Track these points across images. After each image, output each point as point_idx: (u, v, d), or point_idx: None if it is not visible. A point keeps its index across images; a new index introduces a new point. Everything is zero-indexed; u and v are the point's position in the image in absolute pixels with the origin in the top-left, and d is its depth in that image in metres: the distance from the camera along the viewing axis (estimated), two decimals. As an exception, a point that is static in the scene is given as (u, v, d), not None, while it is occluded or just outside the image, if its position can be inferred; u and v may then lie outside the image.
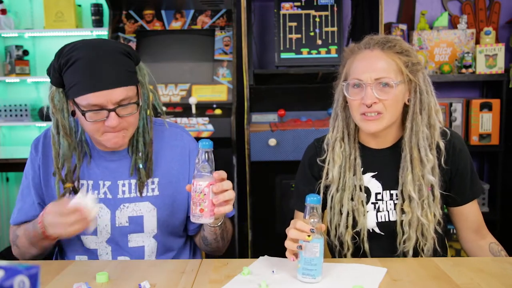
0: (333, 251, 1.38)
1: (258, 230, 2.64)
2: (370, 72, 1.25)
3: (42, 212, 1.16)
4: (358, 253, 1.34)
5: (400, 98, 1.27)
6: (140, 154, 1.31)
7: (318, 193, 1.38)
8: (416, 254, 1.30)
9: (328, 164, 1.36)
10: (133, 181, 1.33)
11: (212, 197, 1.10)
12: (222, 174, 1.12)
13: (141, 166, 1.31)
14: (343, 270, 1.16)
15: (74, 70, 1.17)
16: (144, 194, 1.33)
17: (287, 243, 1.11)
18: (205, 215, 1.10)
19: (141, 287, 1.06)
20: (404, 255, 1.30)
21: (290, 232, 1.09)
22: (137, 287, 1.07)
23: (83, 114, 1.18)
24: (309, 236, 1.06)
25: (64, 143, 1.25)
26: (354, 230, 1.33)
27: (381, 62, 1.25)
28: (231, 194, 1.12)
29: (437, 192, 1.29)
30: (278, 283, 1.09)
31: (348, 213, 1.33)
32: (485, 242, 1.35)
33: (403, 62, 1.26)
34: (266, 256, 1.24)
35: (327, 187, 1.37)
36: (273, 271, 1.14)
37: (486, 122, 2.83)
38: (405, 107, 1.31)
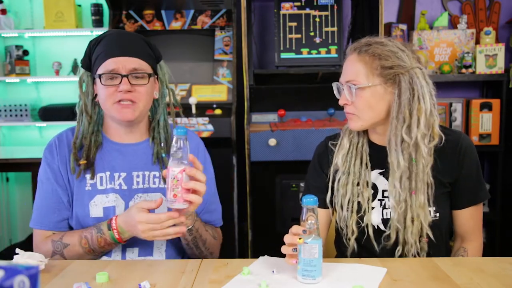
0: (340, 234, 1.40)
1: (258, 230, 2.64)
2: (344, 75, 1.33)
3: (114, 221, 1.26)
4: (362, 238, 1.35)
5: (373, 102, 1.28)
6: (162, 145, 1.40)
7: (327, 188, 1.41)
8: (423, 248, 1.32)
9: (338, 149, 1.41)
10: (147, 173, 1.39)
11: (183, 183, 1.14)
12: (197, 163, 1.16)
13: (164, 155, 1.39)
14: (343, 270, 1.16)
15: (100, 45, 1.32)
16: (156, 186, 1.38)
17: (283, 248, 1.12)
18: (178, 200, 1.14)
19: (141, 287, 1.06)
20: (407, 248, 1.30)
21: (285, 237, 1.11)
22: (137, 287, 1.07)
23: (99, 78, 1.29)
24: (300, 239, 1.07)
25: (84, 120, 1.36)
26: (359, 215, 1.35)
27: (353, 66, 1.31)
28: (202, 187, 1.16)
29: (421, 196, 1.28)
30: (278, 283, 1.09)
31: (352, 197, 1.35)
32: (458, 244, 1.38)
33: (374, 66, 1.27)
34: (266, 256, 1.25)
35: (335, 172, 1.40)
36: (273, 271, 1.14)
37: (486, 122, 2.83)
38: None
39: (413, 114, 1.26)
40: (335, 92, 1.37)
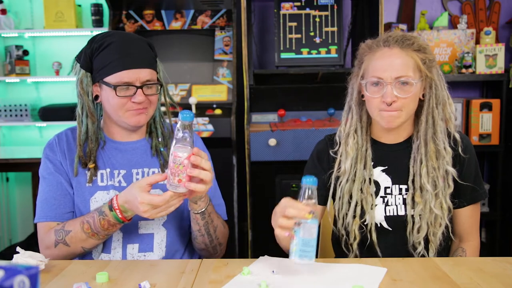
0: (340, 241, 1.39)
1: (258, 230, 2.64)
2: (391, 70, 1.27)
3: (115, 201, 1.23)
4: (364, 245, 1.35)
5: (417, 95, 1.31)
6: (160, 139, 1.43)
7: (328, 185, 1.41)
8: (426, 244, 1.32)
9: (341, 156, 1.39)
10: (146, 170, 1.40)
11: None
12: (201, 152, 1.16)
13: (162, 149, 1.42)
14: (343, 270, 1.16)
15: (108, 51, 1.31)
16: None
17: (282, 221, 1.07)
18: (182, 185, 1.13)
19: (141, 287, 1.06)
20: (415, 246, 1.32)
21: (288, 210, 1.06)
22: (137, 287, 1.07)
23: (114, 89, 1.29)
24: (309, 213, 1.05)
25: (88, 122, 1.37)
26: (362, 220, 1.34)
27: (401, 60, 1.28)
28: (207, 176, 1.16)
29: (451, 182, 1.31)
30: (278, 283, 1.09)
31: (356, 203, 1.35)
32: (457, 244, 1.39)
33: (420, 59, 1.29)
34: (266, 256, 1.25)
35: (337, 178, 1.39)
36: (273, 271, 1.14)
37: (486, 122, 2.83)
38: (419, 102, 1.34)
39: (446, 102, 1.33)
40: (365, 90, 1.31)
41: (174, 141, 1.13)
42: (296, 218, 1.06)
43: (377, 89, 1.29)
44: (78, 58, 1.37)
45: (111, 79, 1.30)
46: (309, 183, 1.09)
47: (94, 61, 1.33)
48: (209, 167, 1.16)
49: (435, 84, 1.31)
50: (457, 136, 1.35)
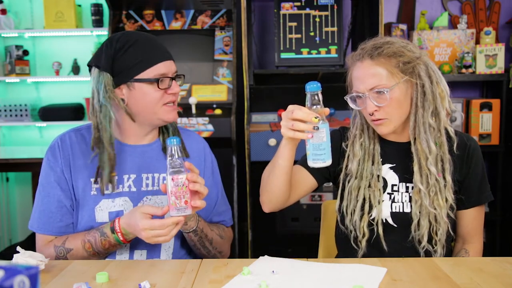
0: (348, 238, 1.39)
1: (258, 230, 2.63)
2: (364, 83, 1.29)
3: (117, 224, 1.24)
4: (370, 239, 1.35)
5: (401, 99, 1.29)
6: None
7: (335, 178, 1.43)
8: (430, 240, 1.32)
9: (348, 157, 1.40)
10: (156, 175, 1.38)
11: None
12: (194, 168, 1.18)
13: None
14: (343, 270, 1.16)
15: (136, 49, 1.29)
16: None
17: (299, 125, 1.11)
18: (189, 206, 1.15)
19: (141, 287, 1.06)
20: (419, 241, 1.32)
21: (296, 112, 1.11)
22: (137, 287, 1.07)
23: (156, 82, 1.29)
24: (316, 118, 1.09)
25: (109, 129, 1.30)
26: (369, 214, 1.35)
27: (372, 72, 1.28)
28: (205, 190, 1.18)
29: (449, 177, 1.31)
30: (278, 283, 1.09)
31: (364, 199, 1.35)
32: (460, 245, 1.39)
33: (394, 64, 1.28)
34: (266, 256, 1.24)
35: (345, 176, 1.41)
36: (273, 271, 1.14)
37: (486, 122, 2.83)
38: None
39: (437, 97, 1.30)
40: (351, 104, 1.34)
41: (168, 167, 1.14)
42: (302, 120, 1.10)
43: (360, 101, 1.33)
44: (95, 63, 1.30)
45: (149, 73, 1.28)
46: (313, 89, 1.11)
47: (119, 61, 1.28)
48: (203, 182, 1.18)
49: (422, 82, 1.29)
50: (450, 129, 1.34)
